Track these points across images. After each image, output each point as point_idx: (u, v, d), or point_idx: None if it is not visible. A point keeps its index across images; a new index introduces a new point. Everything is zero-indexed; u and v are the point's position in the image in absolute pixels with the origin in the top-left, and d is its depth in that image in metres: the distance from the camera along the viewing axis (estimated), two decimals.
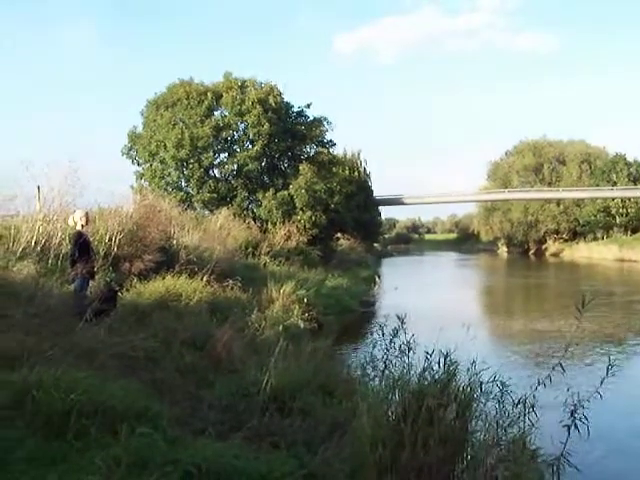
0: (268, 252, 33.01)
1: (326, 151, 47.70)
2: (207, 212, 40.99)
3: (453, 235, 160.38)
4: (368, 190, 72.10)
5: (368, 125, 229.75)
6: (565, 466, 6.57)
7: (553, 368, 7.10)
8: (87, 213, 14.97)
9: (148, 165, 43.94)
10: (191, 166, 42.27)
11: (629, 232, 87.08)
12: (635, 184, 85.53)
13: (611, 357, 6.99)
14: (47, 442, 6.79)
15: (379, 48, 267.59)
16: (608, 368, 6.75)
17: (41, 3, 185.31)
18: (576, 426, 6.51)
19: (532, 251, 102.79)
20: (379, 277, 47.05)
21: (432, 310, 24.89)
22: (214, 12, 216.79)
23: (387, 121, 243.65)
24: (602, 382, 6.68)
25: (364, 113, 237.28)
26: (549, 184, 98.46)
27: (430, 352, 7.42)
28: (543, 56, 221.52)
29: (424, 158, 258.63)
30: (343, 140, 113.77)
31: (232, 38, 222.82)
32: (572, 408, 6.53)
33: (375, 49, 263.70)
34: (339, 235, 54.43)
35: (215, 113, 44.22)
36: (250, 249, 32.53)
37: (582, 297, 6.93)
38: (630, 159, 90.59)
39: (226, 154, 44.66)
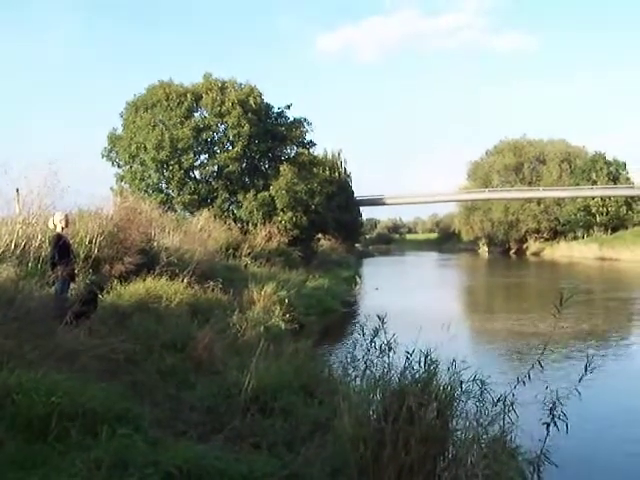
0: (249, 253, 33.05)
1: (306, 152, 47.79)
2: (188, 214, 41.03)
3: (434, 235, 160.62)
4: (349, 190, 72.17)
5: (350, 125, 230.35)
6: (545, 463, 6.61)
7: (532, 366, 7.14)
8: (67, 215, 14.94)
9: (128, 167, 43.87)
10: (171, 168, 42.18)
11: (609, 231, 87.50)
12: (615, 183, 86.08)
13: (589, 355, 7.02)
14: (28, 445, 6.79)
15: (361, 48, 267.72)
16: (586, 366, 6.78)
17: (24, 4, 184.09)
18: (555, 424, 6.55)
19: (513, 250, 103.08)
20: (360, 277, 47.16)
21: (413, 310, 24.96)
22: (195, 13, 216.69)
23: (369, 121, 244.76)
24: (580, 379, 6.72)
25: (346, 113, 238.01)
26: (529, 183, 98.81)
27: (411, 352, 7.44)
28: (524, 56, 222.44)
29: (405, 158, 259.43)
30: (325, 140, 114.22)
31: (213, 38, 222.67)
32: (551, 406, 6.57)
33: (357, 49, 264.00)
34: (320, 236, 54.57)
35: (195, 114, 44.29)
36: (231, 250, 32.53)
37: (560, 295, 6.97)
38: (610, 158, 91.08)
39: (206, 155, 44.69)
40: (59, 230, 14.32)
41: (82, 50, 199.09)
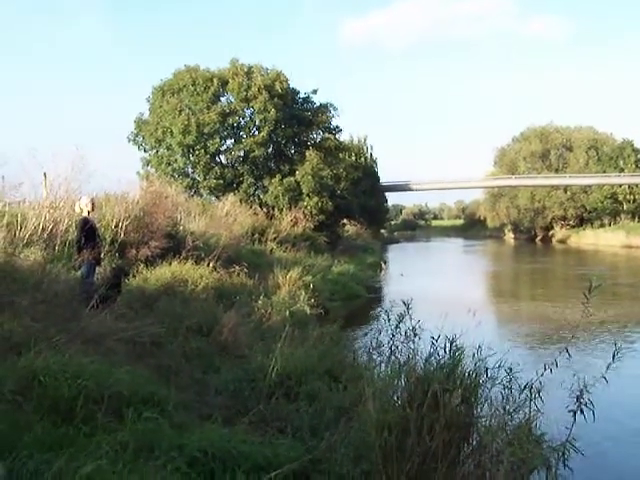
0: (274, 238, 33.03)
1: (332, 137, 47.66)
2: (213, 198, 41.18)
3: (460, 221, 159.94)
4: (374, 176, 72.07)
5: (377, 111, 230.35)
6: (571, 451, 6.57)
7: (559, 353, 7.09)
8: (93, 199, 15.01)
9: (154, 151, 44.07)
10: (197, 152, 42.30)
11: (636, 218, 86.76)
12: None
13: (617, 342, 6.95)
14: (54, 427, 6.82)
15: (388, 34, 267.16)
16: (614, 353, 6.72)
17: None
18: (582, 411, 6.51)
19: (539, 237, 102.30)
20: (385, 263, 46.95)
21: (438, 296, 24.89)
22: None
23: (395, 107, 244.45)
24: (608, 367, 6.66)
25: (372, 99, 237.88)
26: (556, 170, 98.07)
27: (436, 337, 7.42)
28: (553, 41, 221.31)
29: (432, 144, 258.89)
30: (352, 126, 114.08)
31: (238, 22, 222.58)
32: (578, 393, 6.52)
33: (384, 34, 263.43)
34: (345, 221, 54.49)
35: (221, 99, 44.32)
36: (256, 235, 32.56)
37: (589, 283, 6.91)
38: (638, 145, 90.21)
39: (232, 140, 44.71)
40: (85, 214, 14.38)
41: (108, 36, 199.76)
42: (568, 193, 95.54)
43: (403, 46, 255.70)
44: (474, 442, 7.02)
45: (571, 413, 6.53)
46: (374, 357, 8.50)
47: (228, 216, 31.24)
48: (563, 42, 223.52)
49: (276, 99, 42.68)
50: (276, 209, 41.27)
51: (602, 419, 7.02)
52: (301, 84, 63.70)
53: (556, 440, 6.72)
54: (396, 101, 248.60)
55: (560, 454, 6.51)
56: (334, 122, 47.50)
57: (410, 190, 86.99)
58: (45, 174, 18.01)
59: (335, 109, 46.93)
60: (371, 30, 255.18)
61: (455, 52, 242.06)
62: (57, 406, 7.19)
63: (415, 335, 7.62)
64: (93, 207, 14.72)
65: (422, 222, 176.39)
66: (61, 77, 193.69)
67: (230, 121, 43.25)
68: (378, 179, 73.72)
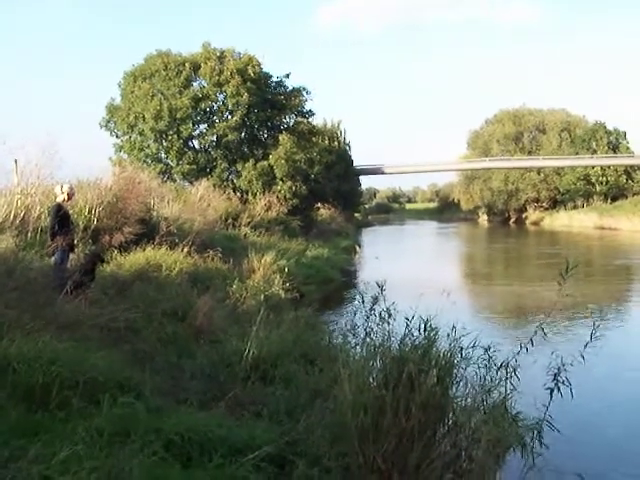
0: (248, 223, 33.05)
1: (305, 121, 47.73)
2: (187, 183, 41.00)
3: (434, 204, 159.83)
4: (348, 160, 71.91)
5: (350, 96, 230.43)
6: (546, 429, 6.62)
7: (535, 332, 7.13)
8: (73, 190, 14.89)
9: (127, 137, 43.84)
10: (170, 137, 42.18)
11: (609, 200, 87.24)
12: (615, 152, 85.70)
13: (595, 322, 6.99)
14: (29, 413, 6.81)
15: (361, 19, 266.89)
16: (592, 333, 6.77)
17: None
18: (559, 389, 6.55)
19: (512, 219, 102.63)
20: (360, 246, 47.25)
21: (412, 278, 24.97)
22: None
23: (369, 92, 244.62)
24: (586, 346, 6.71)
25: (346, 84, 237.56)
26: (529, 153, 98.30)
27: (410, 319, 7.43)
28: (527, 25, 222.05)
29: (405, 128, 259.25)
30: (326, 111, 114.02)
31: (211, 5, 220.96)
32: (555, 372, 6.57)
33: (357, 20, 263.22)
34: (319, 205, 54.49)
35: (194, 84, 44.08)
36: (230, 220, 32.51)
37: (566, 263, 6.94)
38: (610, 127, 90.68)
39: (205, 125, 44.64)
40: (60, 200, 14.26)
41: (81, 17, 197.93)
42: (541, 175, 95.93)
43: (377, 30, 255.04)
44: (450, 422, 7.05)
45: (548, 391, 6.58)
46: (349, 339, 8.52)
47: (202, 201, 31.17)
48: (536, 26, 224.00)
49: (249, 83, 42.57)
50: (250, 194, 41.34)
51: (577, 396, 7.07)
52: (275, 68, 63.64)
53: (533, 419, 6.77)
54: (370, 84, 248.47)
55: (536, 432, 6.56)
56: (307, 106, 47.61)
57: (383, 173, 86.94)
58: (16, 161, 17.88)
59: (308, 93, 47.00)
60: (345, 13, 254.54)
61: (429, 36, 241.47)
62: (32, 392, 7.16)
63: (390, 316, 7.63)
64: (69, 197, 14.59)
65: (396, 205, 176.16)
66: (30, 62, 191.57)
67: (203, 106, 43.13)
68: (352, 163, 73.54)
